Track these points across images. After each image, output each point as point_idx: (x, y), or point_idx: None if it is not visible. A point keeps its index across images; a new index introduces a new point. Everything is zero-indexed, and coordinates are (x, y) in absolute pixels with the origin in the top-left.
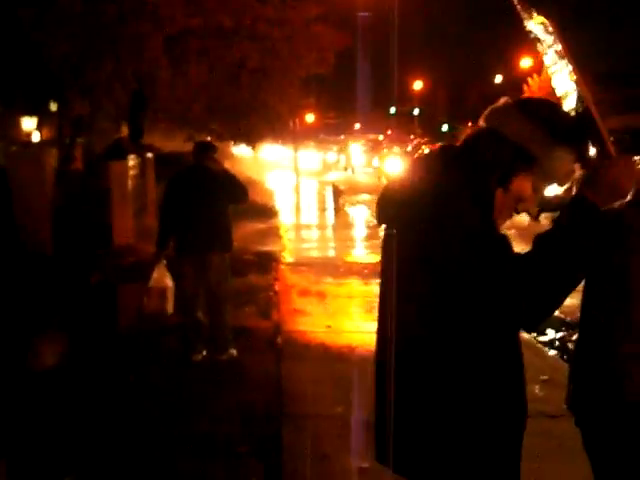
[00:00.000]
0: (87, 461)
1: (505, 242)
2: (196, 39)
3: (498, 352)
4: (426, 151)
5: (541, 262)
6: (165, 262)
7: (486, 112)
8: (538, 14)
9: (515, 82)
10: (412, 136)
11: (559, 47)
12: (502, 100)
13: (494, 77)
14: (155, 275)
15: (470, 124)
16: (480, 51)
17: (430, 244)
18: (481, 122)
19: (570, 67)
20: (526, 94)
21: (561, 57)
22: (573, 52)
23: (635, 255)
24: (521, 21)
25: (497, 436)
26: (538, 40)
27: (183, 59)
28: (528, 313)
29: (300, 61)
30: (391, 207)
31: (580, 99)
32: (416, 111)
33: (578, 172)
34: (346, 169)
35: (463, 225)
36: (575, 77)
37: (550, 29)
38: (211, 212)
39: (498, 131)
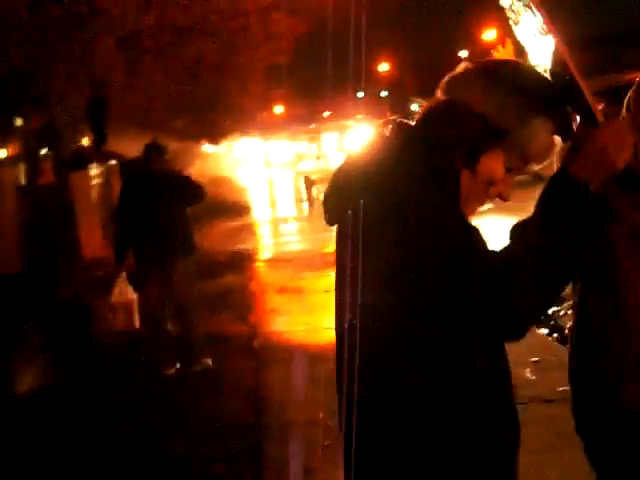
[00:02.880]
0: None
1: (476, 234)
2: (150, 38)
3: (479, 369)
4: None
5: (523, 255)
6: (125, 274)
7: (444, 81)
8: None
9: (481, 55)
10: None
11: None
12: (462, 65)
13: (459, 52)
14: (116, 290)
15: None
16: (443, 27)
17: (383, 240)
18: (439, 93)
19: (542, 20)
20: None
21: (533, 13)
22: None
23: (620, 248)
24: None
25: (488, 463)
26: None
27: (138, 60)
28: (511, 320)
29: (258, 51)
30: (339, 196)
31: (557, 58)
32: (384, 93)
33: (558, 146)
34: (318, 158)
35: (423, 216)
36: (551, 34)
37: None
38: (168, 217)
39: (459, 102)
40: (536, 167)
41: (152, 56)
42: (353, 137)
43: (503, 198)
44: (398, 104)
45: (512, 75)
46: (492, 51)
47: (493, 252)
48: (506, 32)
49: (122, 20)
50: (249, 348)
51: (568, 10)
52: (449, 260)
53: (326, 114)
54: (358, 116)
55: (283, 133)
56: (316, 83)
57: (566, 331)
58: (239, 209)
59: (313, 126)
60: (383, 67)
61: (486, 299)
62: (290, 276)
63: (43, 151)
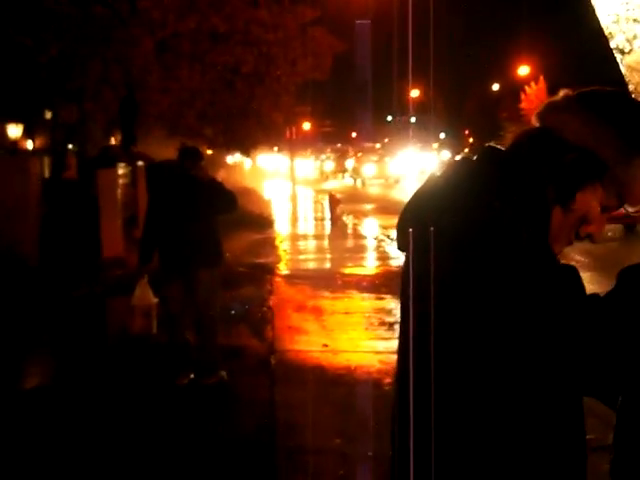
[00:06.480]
0: None
1: (574, 276)
2: (188, 43)
3: (555, 426)
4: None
5: (631, 306)
6: (147, 278)
7: (541, 108)
8: None
9: (512, 90)
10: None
11: None
12: (561, 93)
13: (491, 85)
14: (137, 293)
15: (467, 132)
16: (477, 59)
17: (464, 278)
18: (534, 121)
19: None
20: (524, 102)
21: None
22: None
23: None
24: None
25: None
26: None
27: (175, 64)
28: (612, 379)
29: (295, 66)
30: (416, 221)
31: None
32: (413, 119)
33: None
34: (344, 177)
35: (512, 254)
36: None
37: None
38: (198, 224)
39: (557, 132)
40: (630, 209)
41: (189, 61)
42: (380, 159)
43: (593, 239)
44: (425, 131)
45: (617, 107)
46: (525, 87)
47: (595, 297)
48: (540, 70)
49: (162, 23)
50: (265, 364)
51: None
52: (537, 305)
53: (353, 135)
54: (385, 139)
55: (309, 149)
56: (346, 103)
57: None
58: (262, 222)
59: (339, 145)
60: (414, 93)
61: (586, 351)
62: (309, 294)
63: (70, 146)
